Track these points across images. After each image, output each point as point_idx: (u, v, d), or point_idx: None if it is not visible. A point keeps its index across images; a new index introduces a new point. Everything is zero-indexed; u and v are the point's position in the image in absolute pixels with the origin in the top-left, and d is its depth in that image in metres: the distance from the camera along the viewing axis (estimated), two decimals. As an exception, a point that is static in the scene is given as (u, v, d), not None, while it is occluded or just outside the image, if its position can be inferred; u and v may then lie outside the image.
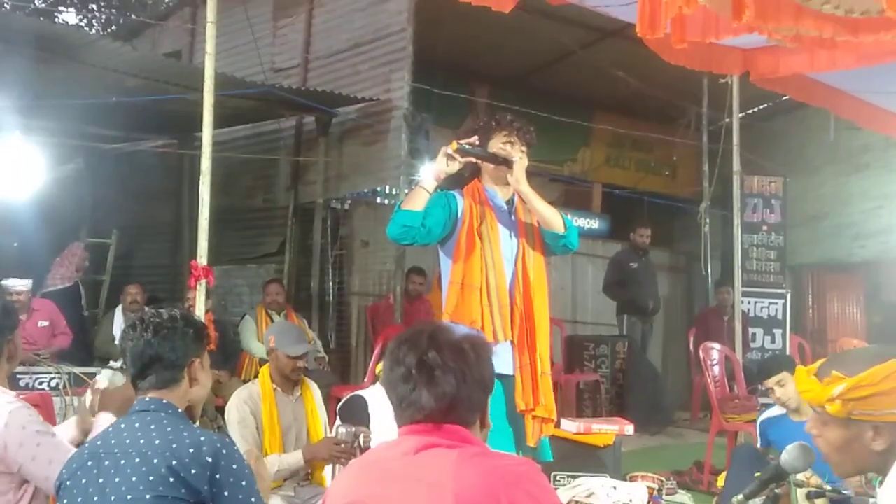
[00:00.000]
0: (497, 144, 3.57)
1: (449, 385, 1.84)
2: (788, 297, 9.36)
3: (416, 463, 1.81)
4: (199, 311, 4.34)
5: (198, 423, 2.67)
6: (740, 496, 2.38)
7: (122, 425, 2.18)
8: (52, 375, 5.42)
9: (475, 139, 3.55)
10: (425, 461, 1.80)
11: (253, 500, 2.07)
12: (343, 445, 3.50)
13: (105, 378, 2.87)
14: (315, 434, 4.01)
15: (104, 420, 2.58)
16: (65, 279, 8.01)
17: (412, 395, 1.85)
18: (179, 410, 2.22)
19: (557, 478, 4.83)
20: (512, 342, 3.50)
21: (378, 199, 9.37)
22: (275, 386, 3.99)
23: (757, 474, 2.43)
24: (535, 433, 3.53)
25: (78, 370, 5.50)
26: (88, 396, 2.87)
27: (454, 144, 3.44)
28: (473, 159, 3.55)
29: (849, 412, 1.74)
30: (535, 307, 3.55)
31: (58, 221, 9.01)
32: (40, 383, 5.33)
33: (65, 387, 5.29)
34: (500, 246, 3.54)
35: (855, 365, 1.75)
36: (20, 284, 6.77)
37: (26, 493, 2.61)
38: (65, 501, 2.13)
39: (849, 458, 1.79)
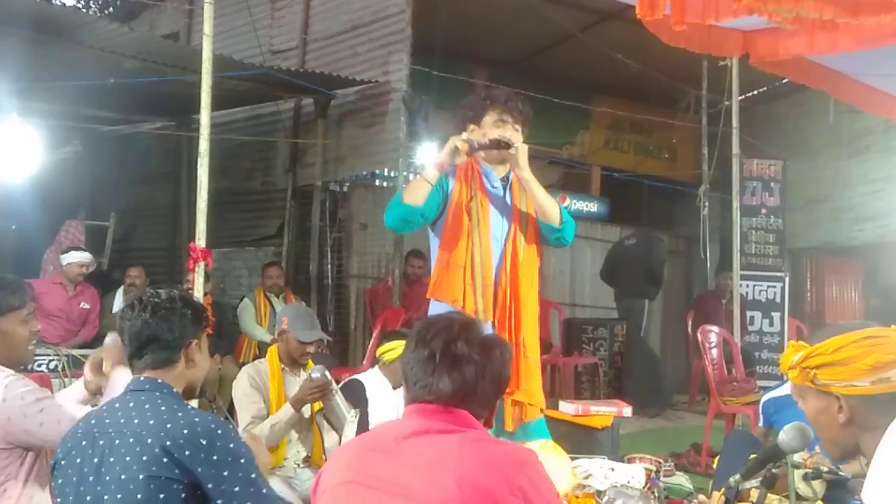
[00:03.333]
0: (489, 123, 3.50)
1: (468, 376, 1.86)
2: (787, 280, 9.34)
3: (417, 444, 1.82)
4: (198, 294, 4.35)
5: (196, 404, 2.67)
6: (737, 475, 2.38)
7: (116, 404, 2.17)
8: (51, 357, 5.41)
9: (484, 134, 3.46)
10: (427, 442, 1.81)
11: (253, 475, 2.07)
12: (319, 385, 3.69)
13: (112, 339, 2.86)
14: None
15: (121, 374, 2.55)
16: None
17: (430, 377, 1.86)
18: (175, 390, 2.21)
19: (555, 459, 4.84)
20: (493, 323, 3.44)
21: (377, 182, 9.38)
22: (283, 365, 4.04)
23: (753, 455, 2.43)
24: (515, 418, 3.48)
25: (77, 352, 5.50)
26: (94, 355, 2.86)
27: (464, 143, 3.37)
28: (482, 153, 3.50)
29: (809, 380, 1.78)
30: (521, 289, 3.49)
31: (56, 204, 9.00)
32: (39, 365, 5.32)
33: (63, 369, 5.29)
34: (490, 225, 3.49)
35: (826, 336, 1.78)
36: (85, 257, 6.94)
37: (24, 466, 2.63)
38: (60, 480, 2.13)
39: (822, 430, 1.82)
